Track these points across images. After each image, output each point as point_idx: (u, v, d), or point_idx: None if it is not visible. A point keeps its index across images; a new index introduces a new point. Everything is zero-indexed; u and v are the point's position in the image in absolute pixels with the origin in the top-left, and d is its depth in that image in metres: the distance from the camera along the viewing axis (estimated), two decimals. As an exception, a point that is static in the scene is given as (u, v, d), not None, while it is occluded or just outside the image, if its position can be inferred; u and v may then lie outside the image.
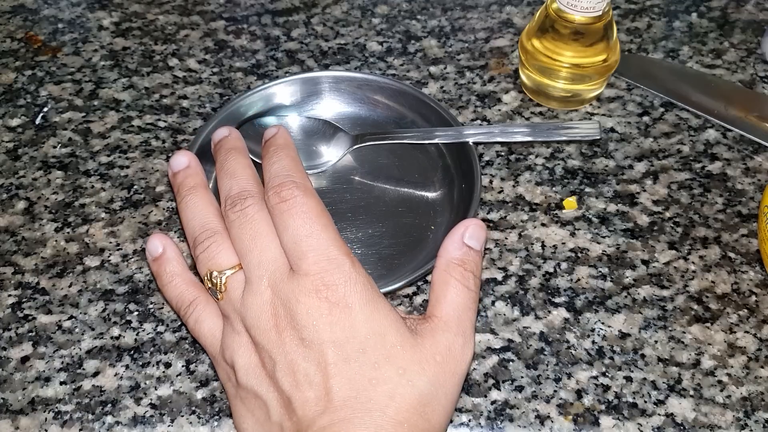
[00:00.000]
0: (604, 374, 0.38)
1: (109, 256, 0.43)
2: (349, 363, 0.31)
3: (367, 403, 0.30)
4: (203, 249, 0.35)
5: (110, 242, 0.43)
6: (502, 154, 0.48)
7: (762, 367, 0.38)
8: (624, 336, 0.39)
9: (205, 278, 0.35)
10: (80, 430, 0.36)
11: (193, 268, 0.38)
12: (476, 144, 0.46)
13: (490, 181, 0.47)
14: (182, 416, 0.36)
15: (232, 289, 0.34)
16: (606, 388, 0.37)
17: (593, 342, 0.39)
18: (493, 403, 0.37)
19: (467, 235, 0.35)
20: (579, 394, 0.37)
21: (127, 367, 0.38)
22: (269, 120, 0.46)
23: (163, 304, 0.41)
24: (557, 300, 0.41)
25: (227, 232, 0.35)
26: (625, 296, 0.41)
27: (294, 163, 0.36)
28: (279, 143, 0.38)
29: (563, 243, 0.43)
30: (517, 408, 0.37)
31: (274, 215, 0.34)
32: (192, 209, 0.37)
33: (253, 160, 0.44)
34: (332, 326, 0.31)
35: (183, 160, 0.39)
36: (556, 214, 0.45)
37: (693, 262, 0.42)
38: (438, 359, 0.32)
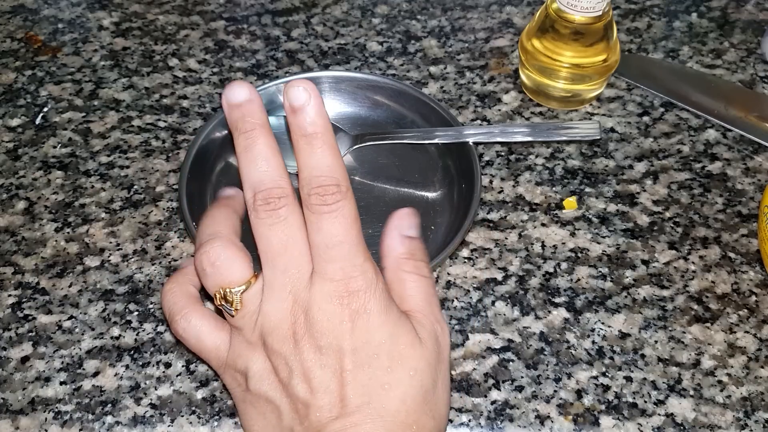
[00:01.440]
0: (604, 374, 0.38)
1: (109, 256, 0.43)
2: (363, 369, 0.30)
3: (379, 408, 0.30)
4: (207, 257, 0.33)
5: (110, 242, 0.43)
6: (502, 154, 0.48)
7: (762, 367, 0.38)
8: (624, 336, 0.39)
9: (217, 295, 0.33)
10: (80, 430, 0.36)
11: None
12: (476, 144, 0.46)
13: (490, 181, 0.47)
14: (182, 416, 0.36)
15: (249, 304, 0.32)
16: (606, 388, 0.37)
17: (593, 342, 0.39)
18: (493, 403, 0.37)
19: (404, 227, 0.35)
20: (579, 394, 0.37)
21: (127, 367, 0.38)
22: (269, 120, 0.46)
23: (163, 304, 0.41)
24: (557, 300, 0.41)
25: (252, 227, 0.33)
26: (625, 296, 0.41)
27: (337, 157, 0.33)
28: (317, 124, 0.32)
29: (563, 243, 0.43)
30: (517, 408, 0.37)
31: (310, 213, 0.32)
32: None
33: None
34: (351, 333, 0.31)
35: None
36: (556, 214, 0.45)
37: (693, 262, 0.42)
38: (436, 350, 0.32)
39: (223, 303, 0.33)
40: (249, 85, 0.34)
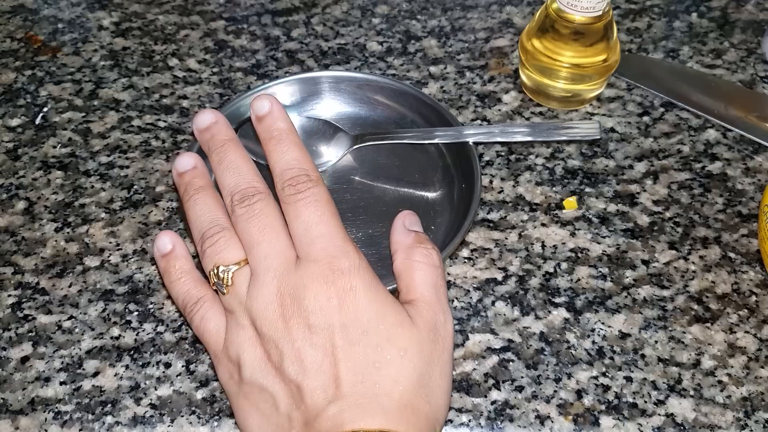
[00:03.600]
0: (604, 374, 0.38)
1: (109, 256, 0.43)
2: (353, 346, 0.31)
3: (373, 387, 0.30)
4: (211, 243, 0.35)
5: (110, 242, 0.43)
6: (502, 154, 0.48)
7: (762, 367, 0.38)
8: (624, 336, 0.39)
9: (211, 273, 0.35)
10: (80, 430, 0.36)
11: (200, 266, 0.38)
12: (476, 144, 0.46)
13: (490, 181, 0.47)
14: (182, 416, 0.36)
15: (239, 283, 0.34)
16: (606, 388, 0.37)
17: (593, 342, 0.39)
18: (493, 403, 0.37)
19: (408, 223, 0.37)
20: (579, 394, 0.37)
21: (127, 367, 0.38)
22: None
23: (162, 304, 0.41)
24: (557, 300, 0.41)
25: (234, 229, 0.36)
26: (625, 296, 0.41)
27: (303, 152, 0.37)
28: (281, 128, 0.37)
29: (563, 243, 0.43)
30: (517, 408, 0.37)
31: (286, 204, 0.34)
32: (201, 207, 0.37)
33: (255, 161, 0.44)
34: (339, 310, 0.31)
35: (189, 161, 0.38)
36: (556, 214, 0.45)
37: (693, 262, 0.42)
38: (432, 337, 0.32)
39: (216, 281, 0.34)
40: (213, 110, 0.39)
